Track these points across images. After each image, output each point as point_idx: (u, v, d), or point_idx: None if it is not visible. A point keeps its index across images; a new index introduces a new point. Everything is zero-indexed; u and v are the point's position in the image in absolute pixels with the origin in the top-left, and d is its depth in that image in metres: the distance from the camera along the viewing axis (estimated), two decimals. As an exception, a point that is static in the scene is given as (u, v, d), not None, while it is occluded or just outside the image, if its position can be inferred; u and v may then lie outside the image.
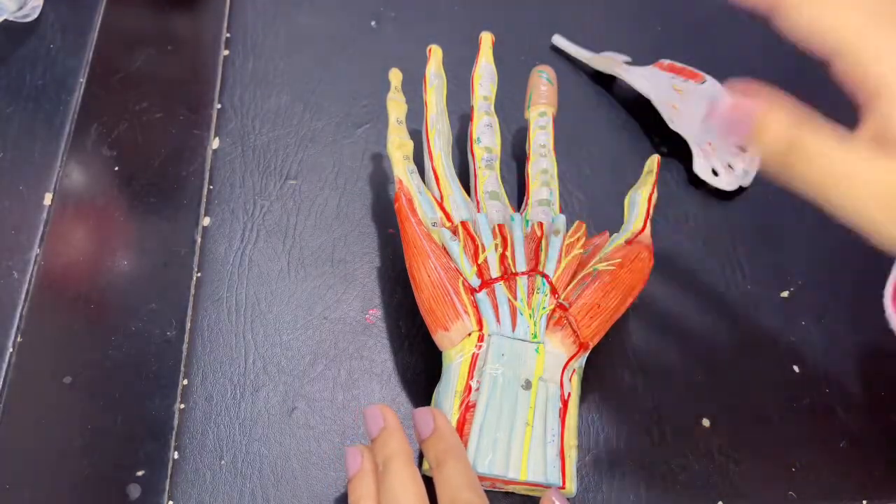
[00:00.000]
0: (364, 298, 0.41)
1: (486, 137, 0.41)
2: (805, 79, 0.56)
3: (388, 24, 0.53)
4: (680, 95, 0.49)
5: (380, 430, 0.30)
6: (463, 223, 0.36)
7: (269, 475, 0.35)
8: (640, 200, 0.39)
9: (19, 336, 0.37)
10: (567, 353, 0.34)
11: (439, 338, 0.34)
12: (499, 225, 0.37)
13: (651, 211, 0.38)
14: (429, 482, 0.29)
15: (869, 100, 0.25)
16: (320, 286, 0.41)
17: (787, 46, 0.58)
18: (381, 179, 0.45)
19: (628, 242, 0.37)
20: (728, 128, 0.26)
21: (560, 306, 0.34)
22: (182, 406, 0.37)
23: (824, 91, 0.57)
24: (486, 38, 0.43)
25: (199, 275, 0.41)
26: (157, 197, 0.43)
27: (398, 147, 0.38)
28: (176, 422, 0.36)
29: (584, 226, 0.38)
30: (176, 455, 0.35)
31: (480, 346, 0.33)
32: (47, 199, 0.42)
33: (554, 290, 0.35)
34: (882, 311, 0.42)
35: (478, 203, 0.39)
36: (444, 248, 0.36)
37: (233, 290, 0.40)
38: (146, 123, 0.45)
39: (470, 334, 0.33)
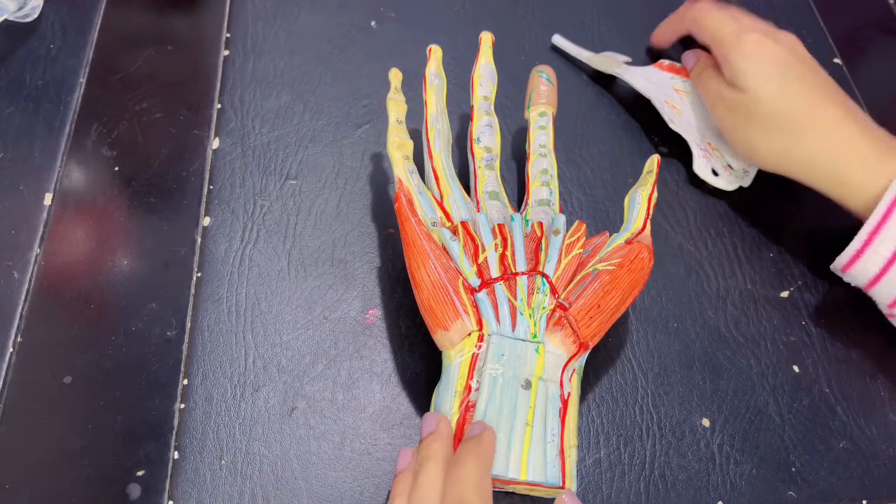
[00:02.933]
0: (364, 298, 0.41)
1: (486, 137, 0.41)
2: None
3: (388, 24, 0.53)
4: (680, 96, 0.49)
5: (429, 433, 0.30)
6: (463, 223, 0.36)
7: (269, 475, 0.35)
8: (640, 200, 0.39)
9: (19, 336, 0.37)
10: (567, 353, 0.34)
11: (439, 338, 0.34)
12: (499, 225, 0.37)
13: (651, 211, 0.38)
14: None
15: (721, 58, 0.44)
16: (320, 286, 0.41)
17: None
18: (381, 179, 0.45)
19: (628, 242, 0.37)
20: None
21: (560, 306, 0.34)
22: (182, 406, 0.37)
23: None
24: (486, 38, 0.43)
25: (199, 275, 0.41)
26: (157, 197, 0.43)
27: (398, 147, 0.38)
28: (176, 422, 0.36)
29: (584, 226, 0.38)
30: (176, 455, 0.35)
31: (480, 346, 0.33)
32: (47, 199, 0.42)
33: (554, 290, 0.35)
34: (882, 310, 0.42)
35: (478, 203, 0.39)
36: (444, 248, 0.36)
37: (233, 290, 0.40)
38: (146, 123, 0.46)
39: (470, 334, 0.33)
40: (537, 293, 0.34)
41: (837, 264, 0.40)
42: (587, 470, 0.37)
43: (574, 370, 0.34)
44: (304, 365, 0.38)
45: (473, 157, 0.41)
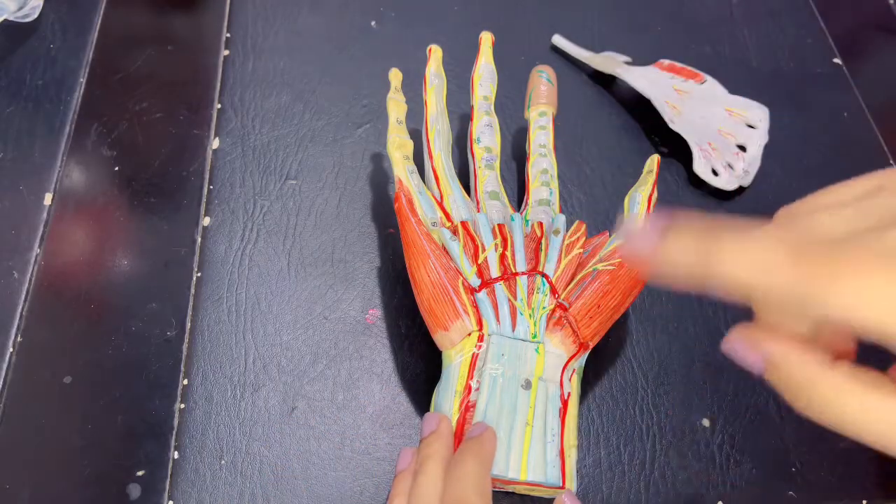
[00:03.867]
0: (364, 298, 0.41)
1: (486, 137, 0.41)
2: (804, 79, 0.56)
3: (388, 24, 0.53)
4: (680, 96, 0.49)
5: (430, 432, 0.31)
6: (463, 223, 0.36)
7: (269, 475, 0.35)
8: (640, 200, 0.39)
9: (19, 336, 0.37)
10: (567, 353, 0.34)
11: (439, 338, 0.34)
12: (499, 225, 0.37)
13: (651, 211, 0.38)
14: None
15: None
16: (320, 286, 0.41)
17: (787, 47, 0.58)
18: (381, 179, 0.45)
19: (628, 242, 0.37)
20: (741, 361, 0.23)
21: (560, 306, 0.34)
22: (182, 406, 0.37)
23: (824, 91, 0.57)
24: (486, 38, 0.43)
25: (199, 275, 0.41)
26: (157, 197, 0.43)
27: (398, 147, 0.38)
28: (176, 422, 0.36)
29: (584, 226, 0.38)
30: (176, 455, 0.35)
31: (480, 346, 0.33)
32: (47, 199, 0.42)
33: (554, 290, 0.35)
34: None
35: (478, 203, 0.39)
36: (444, 248, 0.36)
37: (233, 290, 0.40)
38: (146, 123, 0.45)
39: (470, 334, 0.33)
40: (537, 293, 0.34)
41: None
42: (587, 470, 0.37)
43: (574, 370, 0.34)
44: (304, 365, 0.38)
45: (473, 157, 0.41)
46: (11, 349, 0.37)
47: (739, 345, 0.23)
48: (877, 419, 0.21)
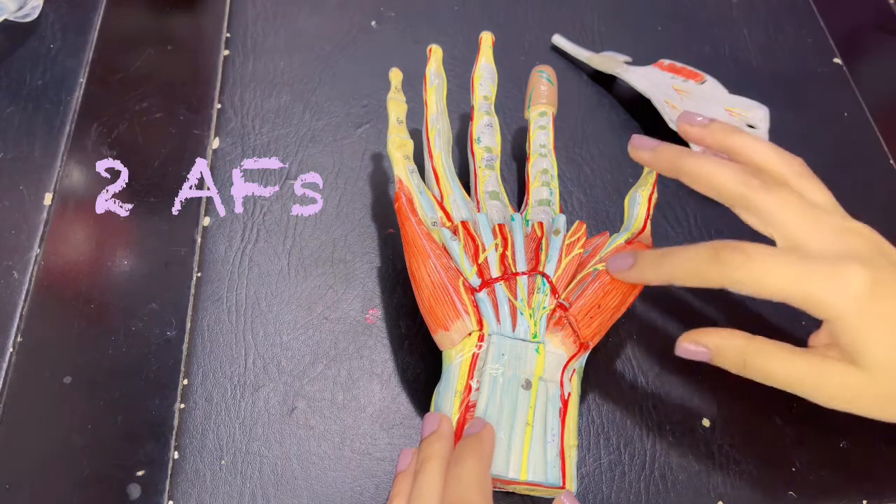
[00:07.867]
0: (364, 298, 0.41)
1: (486, 137, 0.41)
2: (804, 79, 0.56)
3: (388, 24, 0.53)
4: (680, 96, 0.49)
5: (431, 433, 0.31)
6: (463, 223, 0.36)
7: (269, 475, 0.35)
8: (640, 200, 0.39)
9: (19, 336, 0.37)
10: (567, 353, 0.34)
11: (439, 337, 0.34)
12: (499, 225, 0.37)
13: (651, 211, 0.38)
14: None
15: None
16: (320, 286, 0.41)
17: (787, 47, 0.58)
18: (381, 179, 0.45)
19: (628, 242, 0.37)
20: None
21: (560, 306, 0.34)
22: (182, 406, 0.37)
23: (824, 91, 0.57)
24: (486, 38, 0.43)
25: (199, 275, 0.41)
26: (157, 197, 0.43)
27: (398, 147, 0.38)
28: (176, 422, 0.36)
29: (584, 226, 0.38)
30: (176, 455, 0.35)
31: (481, 346, 0.33)
32: (47, 199, 0.42)
33: (554, 290, 0.35)
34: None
35: (478, 203, 0.39)
36: (445, 248, 0.36)
37: (233, 290, 0.40)
38: (146, 123, 0.46)
39: (470, 334, 0.33)
40: (538, 293, 0.34)
41: None
42: (587, 470, 0.37)
43: (574, 370, 0.34)
44: (304, 365, 0.38)
45: (473, 157, 0.41)
46: (11, 349, 0.37)
47: (685, 345, 0.32)
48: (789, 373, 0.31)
